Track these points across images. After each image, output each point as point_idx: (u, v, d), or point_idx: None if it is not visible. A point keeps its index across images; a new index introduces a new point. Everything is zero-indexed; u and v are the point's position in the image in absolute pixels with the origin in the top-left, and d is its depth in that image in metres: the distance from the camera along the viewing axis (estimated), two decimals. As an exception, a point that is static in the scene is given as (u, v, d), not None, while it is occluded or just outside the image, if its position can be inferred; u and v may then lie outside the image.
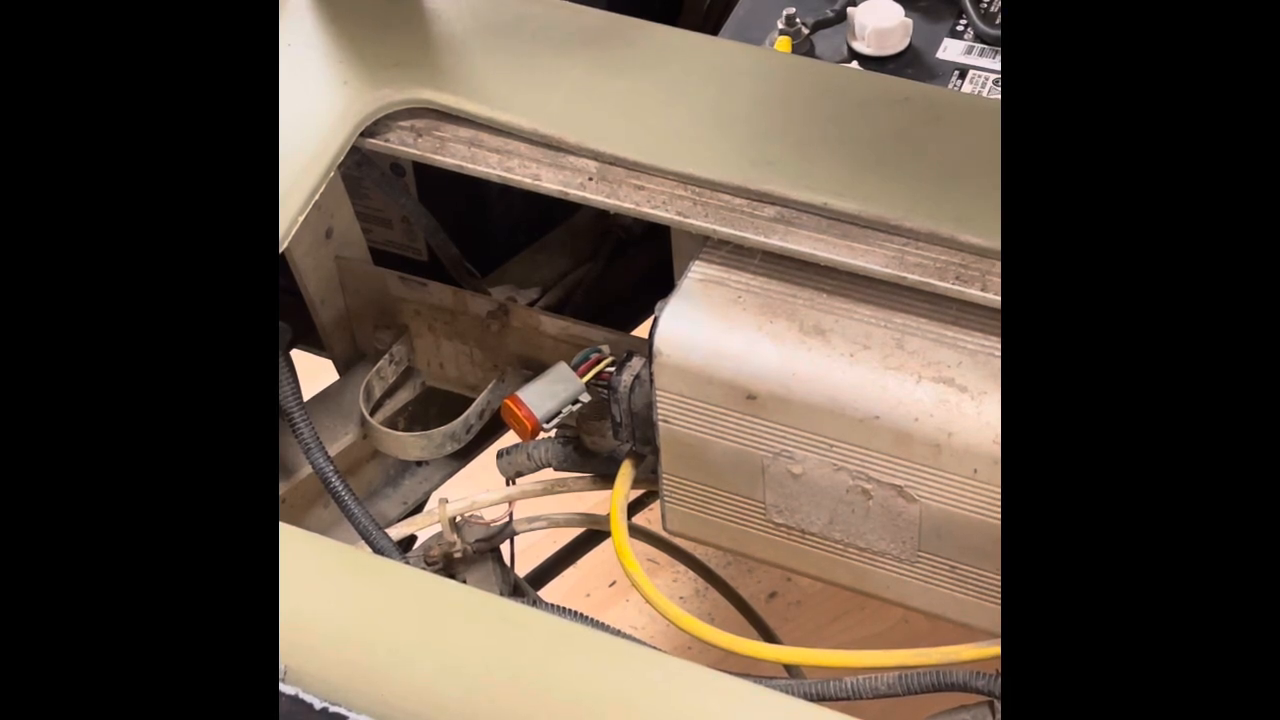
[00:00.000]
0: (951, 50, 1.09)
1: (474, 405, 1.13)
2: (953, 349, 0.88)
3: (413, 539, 1.11)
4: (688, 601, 1.80)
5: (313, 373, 1.18)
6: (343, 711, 0.76)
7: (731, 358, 0.90)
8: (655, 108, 0.99)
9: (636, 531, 1.08)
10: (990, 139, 0.92)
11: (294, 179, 0.96)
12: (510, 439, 1.08)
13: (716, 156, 0.95)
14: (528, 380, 1.05)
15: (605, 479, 1.05)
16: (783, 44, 1.08)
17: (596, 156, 0.96)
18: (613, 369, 1.00)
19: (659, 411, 0.94)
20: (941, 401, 0.86)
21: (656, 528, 1.06)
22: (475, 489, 1.06)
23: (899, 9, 1.08)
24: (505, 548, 1.08)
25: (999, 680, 0.87)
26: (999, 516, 0.87)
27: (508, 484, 1.08)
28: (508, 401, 1.03)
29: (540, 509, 1.09)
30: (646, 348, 0.92)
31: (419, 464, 1.25)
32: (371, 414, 1.15)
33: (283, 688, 0.77)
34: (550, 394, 1.03)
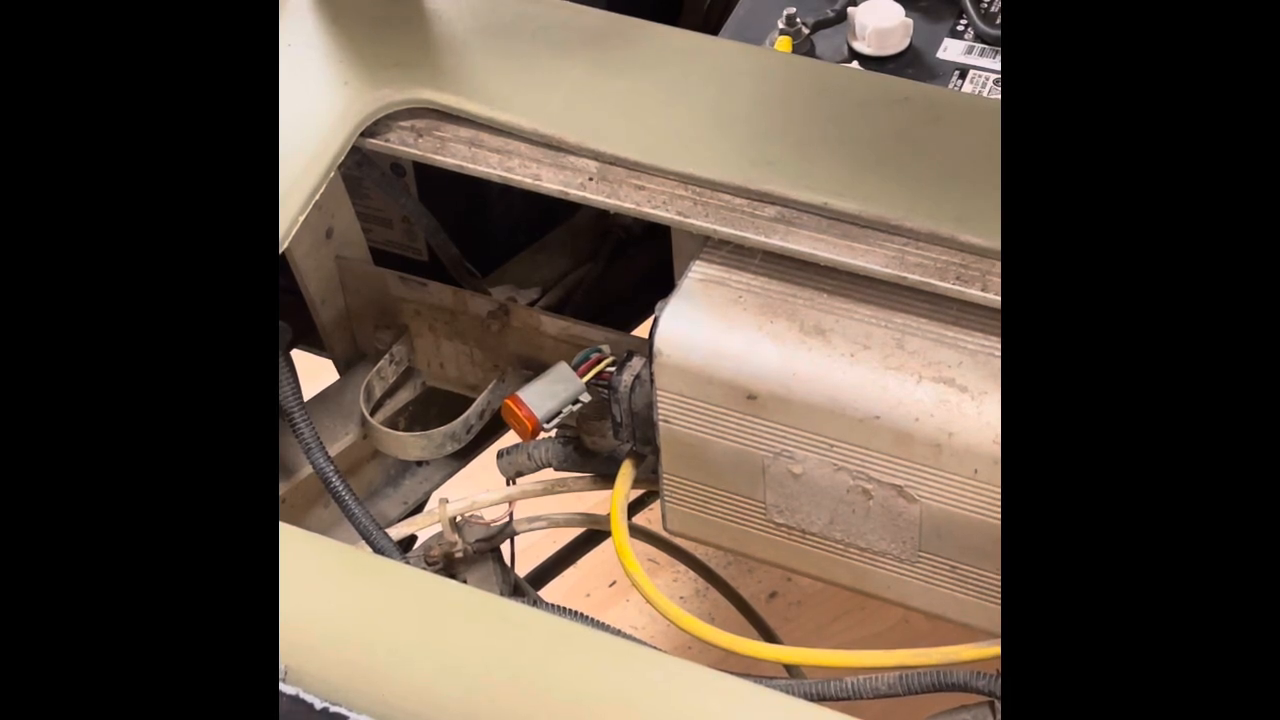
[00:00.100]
0: (952, 50, 1.09)
1: (474, 405, 1.13)
2: (953, 349, 0.88)
3: (413, 539, 1.11)
4: (688, 601, 1.80)
5: (313, 373, 1.18)
6: (343, 711, 0.76)
7: (732, 358, 0.90)
8: (655, 108, 0.99)
9: (637, 531, 1.08)
10: (990, 139, 0.92)
11: (294, 179, 0.96)
12: (510, 439, 1.08)
13: (717, 156, 0.95)
14: (528, 380, 1.05)
15: (605, 479, 1.05)
16: (783, 44, 1.08)
17: (597, 156, 0.96)
18: (613, 369, 1.00)
19: (659, 411, 0.94)
20: (942, 401, 0.86)
21: (657, 528, 1.06)
22: (475, 489, 1.06)
23: (899, 9, 1.08)
24: (505, 548, 1.08)
25: (999, 680, 0.87)
26: (999, 516, 0.87)
27: (508, 484, 1.08)
28: (508, 401, 1.03)
29: (540, 509, 1.09)
30: (647, 348, 0.92)
31: (419, 464, 1.25)
32: (372, 414, 1.15)
33: (283, 688, 0.77)
34: (550, 394, 1.03)
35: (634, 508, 1.15)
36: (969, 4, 1.10)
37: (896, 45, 1.09)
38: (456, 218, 1.20)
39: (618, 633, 0.92)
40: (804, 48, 1.09)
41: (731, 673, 0.79)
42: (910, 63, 1.09)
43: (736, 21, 1.12)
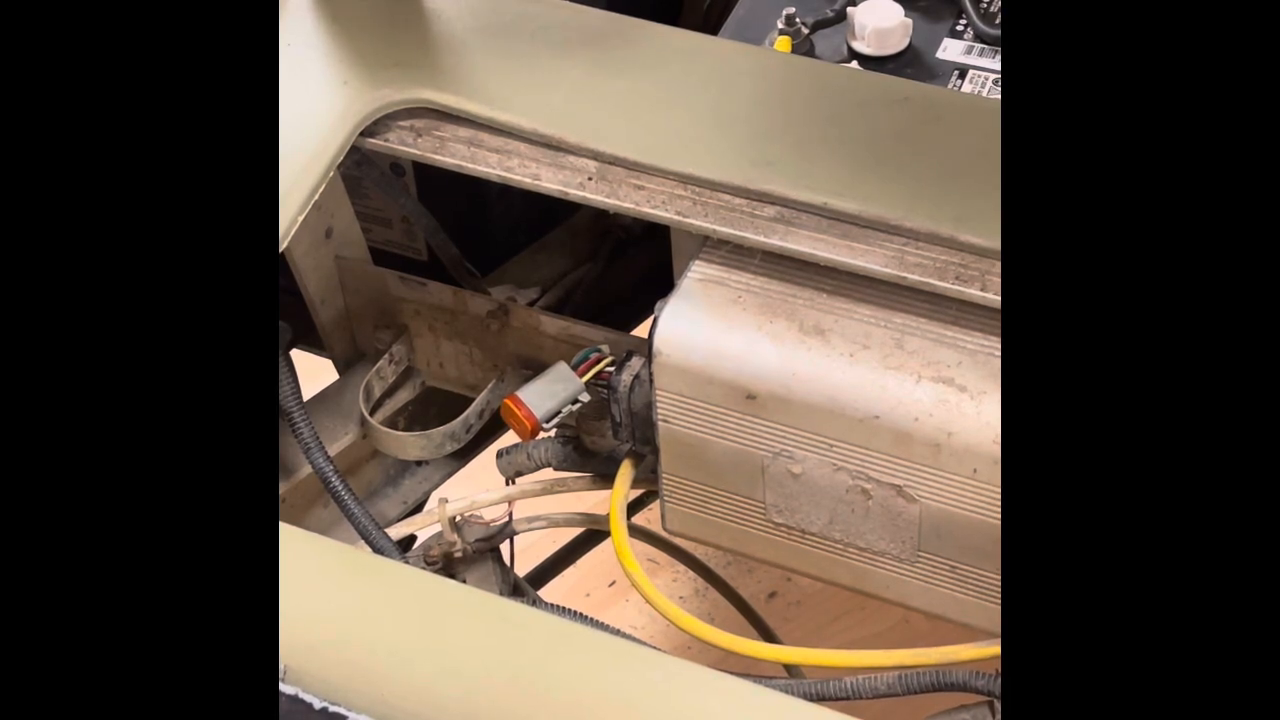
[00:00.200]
0: (951, 50, 1.09)
1: (474, 405, 1.13)
2: (952, 349, 0.88)
3: (413, 539, 1.11)
4: (688, 601, 1.80)
5: (313, 373, 1.18)
6: (343, 711, 0.76)
7: (731, 357, 0.90)
8: (655, 108, 0.99)
9: (636, 531, 1.08)
10: (990, 139, 0.92)
11: (294, 179, 0.96)
12: (510, 439, 1.08)
13: (716, 156, 0.95)
14: (527, 380, 1.05)
15: (605, 479, 1.05)
16: (783, 44, 1.08)
17: (596, 156, 0.96)
18: (612, 369, 1.00)
19: (659, 411, 0.94)
20: (941, 401, 0.86)
21: (656, 528, 1.06)
22: (475, 489, 1.06)
23: (899, 9, 1.08)
24: (505, 547, 1.08)
25: (999, 680, 0.87)
26: (999, 516, 0.87)
27: (507, 484, 1.08)
28: (507, 401, 1.03)
29: (540, 509, 1.09)
30: (646, 347, 0.92)
31: (419, 464, 1.25)
32: (371, 414, 1.15)
33: (283, 688, 0.77)
34: (550, 394, 1.03)
35: (634, 508, 1.15)
36: (969, 4, 1.10)
37: (896, 45, 1.09)
38: (456, 218, 1.20)
39: (617, 633, 0.92)
40: (804, 48, 1.09)
41: (731, 673, 0.79)
42: (910, 63, 1.09)
43: (736, 21, 1.12)
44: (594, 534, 1.31)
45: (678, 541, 1.11)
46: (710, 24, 1.30)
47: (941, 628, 0.95)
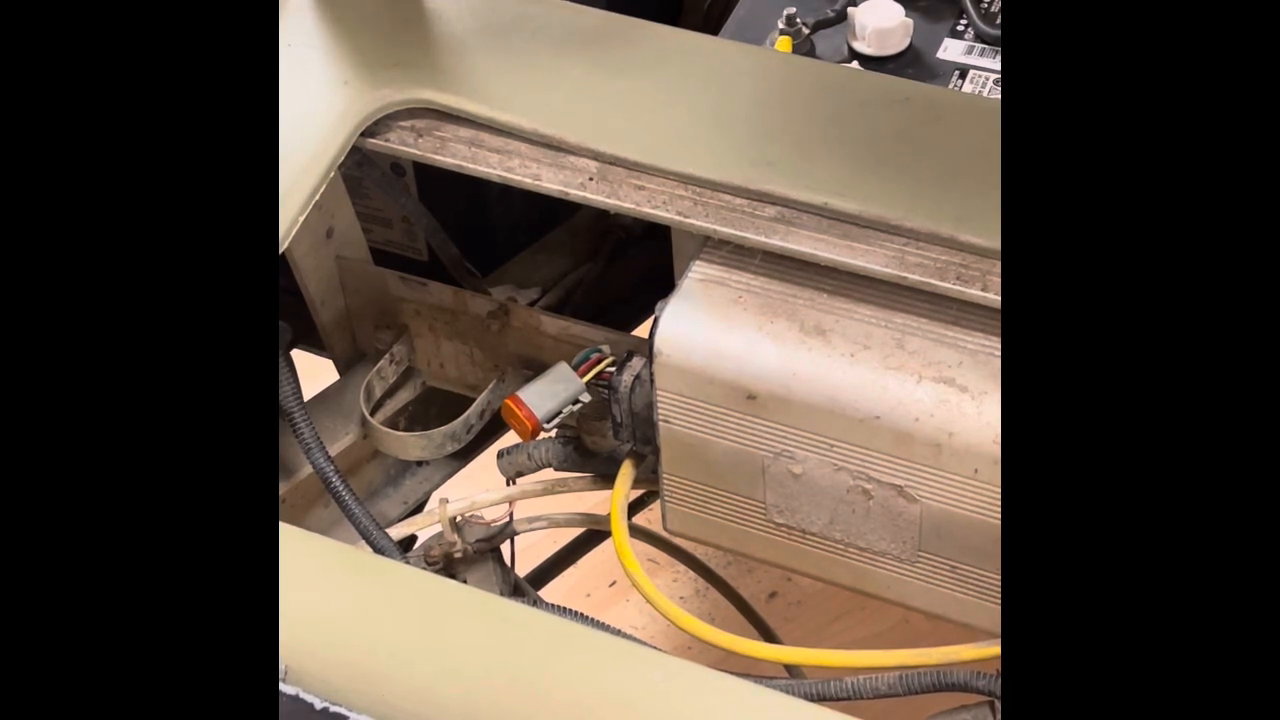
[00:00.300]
0: (952, 50, 1.09)
1: (474, 405, 1.13)
2: (953, 349, 0.88)
3: (413, 539, 1.11)
4: (688, 601, 1.80)
5: (313, 373, 1.18)
6: (343, 711, 0.76)
7: (732, 358, 0.90)
8: (655, 108, 0.99)
9: (637, 531, 1.08)
10: (990, 139, 0.92)
11: (294, 179, 0.96)
12: (510, 439, 1.08)
13: (717, 156, 0.95)
14: (528, 380, 1.05)
15: (605, 479, 1.05)
16: (783, 44, 1.08)
17: (597, 156, 0.96)
18: (613, 369, 1.00)
19: (659, 411, 0.94)
20: (942, 401, 0.86)
21: (656, 528, 1.06)
22: (475, 489, 1.06)
23: (899, 9, 1.08)
24: (505, 548, 1.08)
25: (999, 680, 0.87)
26: (999, 516, 0.87)
27: (508, 484, 1.08)
28: (508, 401, 1.03)
29: (540, 509, 1.09)
30: (647, 348, 0.92)
31: (419, 464, 1.25)
32: (372, 414, 1.15)
33: (283, 688, 0.77)
34: (550, 394, 1.03)
35: (634, 508, 1.15)
36: (969, 4, 1.10)
37: (896, 45, 1.09)
38: (456, 218, 1.20)
39: (618, 633, 0.92)
40: (804, 48, 1.09)
41: (731, 673, 0.79)
42: (910, 63, 1.09)
43: (736, 21, 1.12)
44: (594, 534, 1.31)
45: (678, 541, 1.11)
46: (711, 24, 1.30)
47: (942, 628, 0.95)
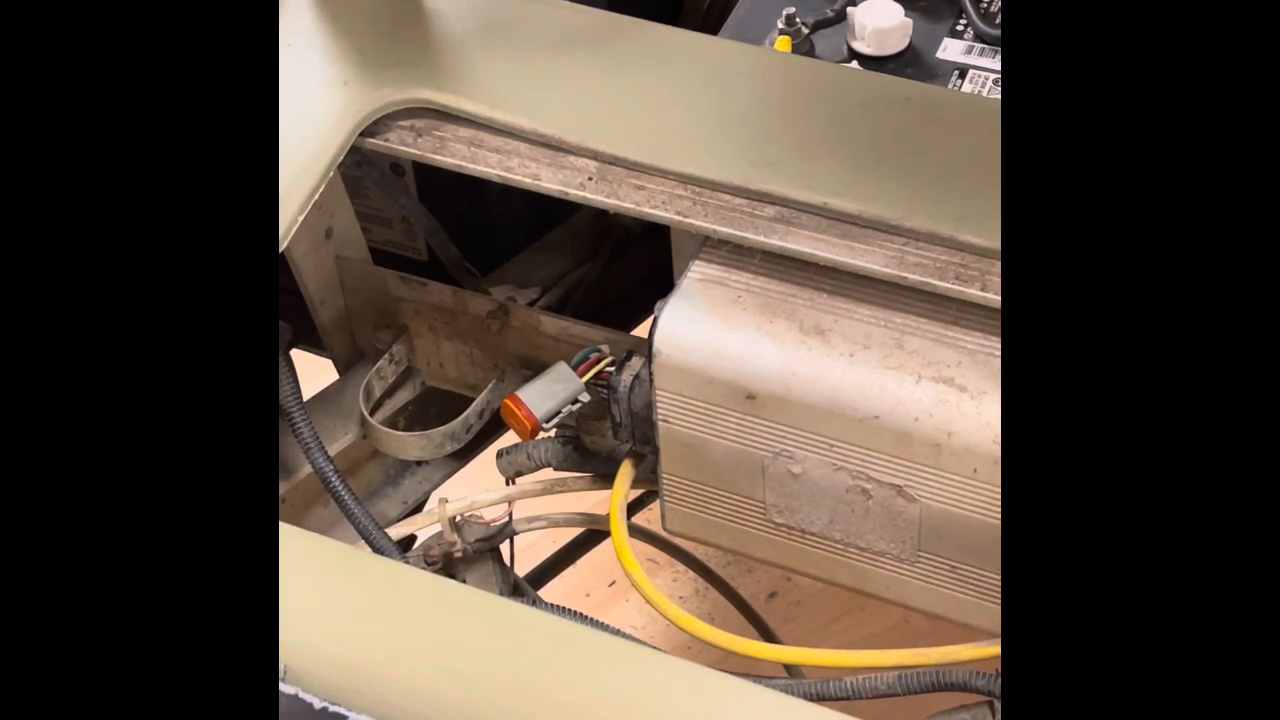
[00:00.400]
0: (951, 50, 1.09)
1: (474, 405, 1.13)
2: (952, 349, 0.88)
3: (413, 539, 1.11)
4: (688, 601, 1.80)
5: (313, 373, 1.18)
6: (343, 711, 0.76)
7: (731, 358, 0.90)
8: (655, 108, 0.99)
9: (636, 531, 1.08)
10: (990, 139, 0.92)
11: (294, 179, 0.96)
12: (510, 439, 1.08)
13: (716, 156, 0.95)
14: (528, 380, 1.05)
15: (605, 479, 1.05)
16: (783, 44, 1.08)
17: (596, 156, 0.96)
18: (612, 369, 1.00)
19: (659, 411, 0.94)
20: (941, 401, 0.86)
21: (656, 528, 1.06)
22: (475, 489, 1.06)
23: (899, 9, 1.08)
24: (505, 547, 1.08)
25: (999, 680, 0.87)
26: (999, 516, 0.87)
27: (508, 484, 1.08)
28: (507, 401, 1.03)
29: (540, 509, 1.09)
30: (646, 347, 0.92)
31: (419, 464, 1.25)
32: (371, 414, 1.15)
33: (283, 688, 0.77)
34: (550, 394, 1.03)
35: (634, 508, 1.15)
36: (969, 4, 1.10)
37: (896, 45, 1.09)
38: (456, 218, 1.20)
39: (617, 633, 0.92)
40: (804, 48, 1.09)
41: (731, 673, 0.79)
42: (910, 63, 1.09)
43: (736, 21, 1.12)
44: (594, 534, 1.31)
45: (678, 541, 1.11)
46: (710, 24, 1.30)
47: (941, 628, 0.95)
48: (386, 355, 1.16)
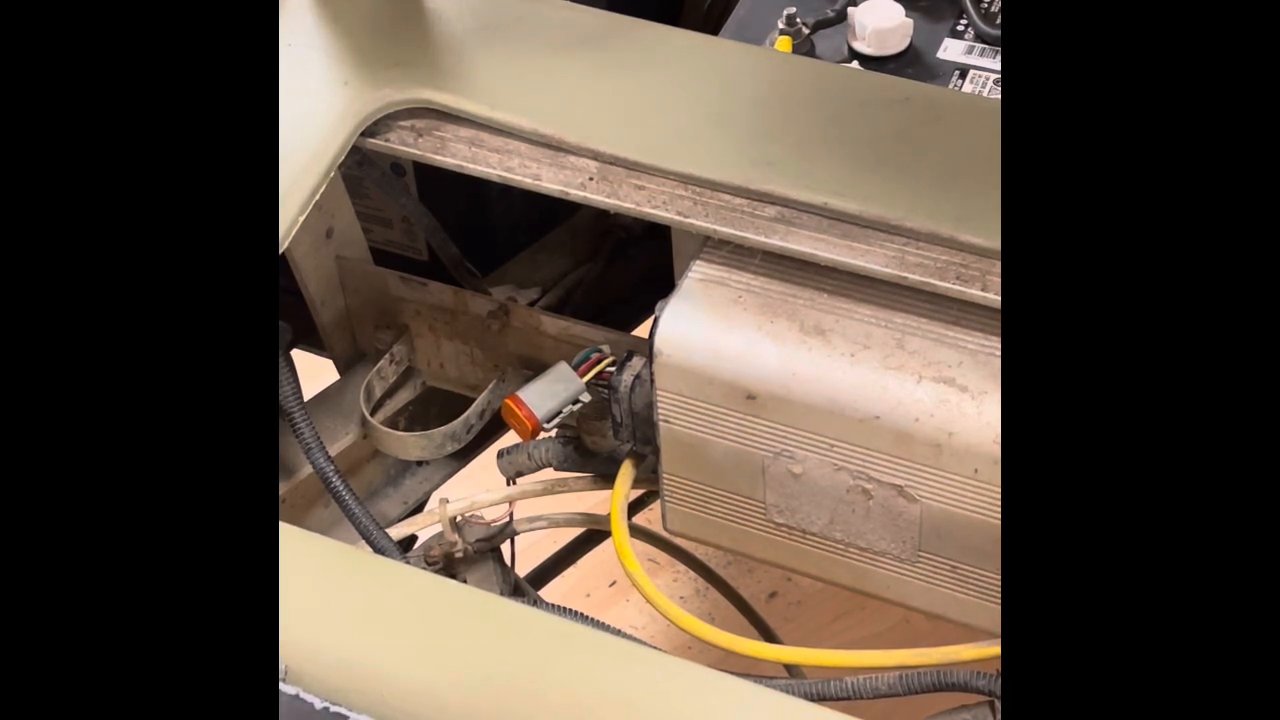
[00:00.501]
0: (952, 50, 1.09)
1: (474, 405, 1.13)
2: (953, 349, 0.88)
3: (413, 539, 1.11)
4: (688, 601, 1.80)
5: (313, 373, 1.18)
6: (343, 711, 0.76)
7: (732, 358, 0.90)
8: (655, 108, 0.99)
9: (637, 531, 1.08)
10: (990, 139, 0.92)
11: (294, 179, 0.96)
12: (510, 439, 1.08)
13: (717, 156, 0.95)
14: (528, 380, 1.05)
15: (605, 479, 1.05)
16: (783, 44, 1.08)
17: (597, 156, 0.96)
18: (613, 369, 1.00)
19: (659, 411, 0.94)
20: (942, 401, 0.86)
21: (657, 528, 1.06)
22: (475, 489, 1.06)
23: (899, 9, 1.08)
24: (505, 548, 1.08)
25: (999, 680, 0.87)
26: (999, 516, 0.87)
27: (508, 484, 1.08)
28: (508, 401, 1.03)
29: (540, 509, 1.09)
30: (647, 348, 0.92)
31: (419, 464, 1.25)
32: (372, 414, 1.15)
33: (283, 688, 0.77)
34: (550, 394, 1.03)
35: (634, 508, 1.15)
36: (969, 4, 1.10)
37: (896, 45, 1.09)
38: (456, 218, 1.20)
39: (618, 633, 0.92)
40: (804, 48, 1.09)
41: (731, 673, 0.79)
42: (910, 63, 1.09)
43: (736, 21, 1.12)
44: (594, 534, 1.31)
45: (678, 541, 1.11)
46: (710, 24, 1.30)
47: (942, 628, 0.95)
48: (387, 355, 1.16)
